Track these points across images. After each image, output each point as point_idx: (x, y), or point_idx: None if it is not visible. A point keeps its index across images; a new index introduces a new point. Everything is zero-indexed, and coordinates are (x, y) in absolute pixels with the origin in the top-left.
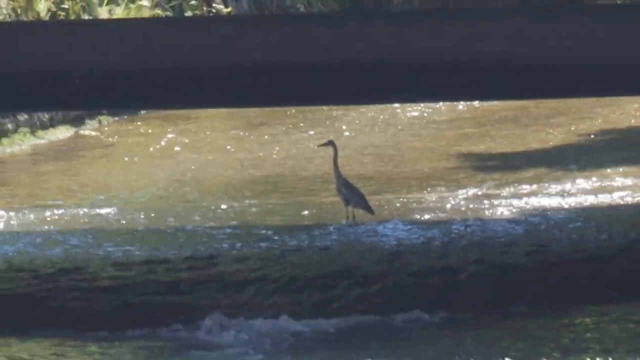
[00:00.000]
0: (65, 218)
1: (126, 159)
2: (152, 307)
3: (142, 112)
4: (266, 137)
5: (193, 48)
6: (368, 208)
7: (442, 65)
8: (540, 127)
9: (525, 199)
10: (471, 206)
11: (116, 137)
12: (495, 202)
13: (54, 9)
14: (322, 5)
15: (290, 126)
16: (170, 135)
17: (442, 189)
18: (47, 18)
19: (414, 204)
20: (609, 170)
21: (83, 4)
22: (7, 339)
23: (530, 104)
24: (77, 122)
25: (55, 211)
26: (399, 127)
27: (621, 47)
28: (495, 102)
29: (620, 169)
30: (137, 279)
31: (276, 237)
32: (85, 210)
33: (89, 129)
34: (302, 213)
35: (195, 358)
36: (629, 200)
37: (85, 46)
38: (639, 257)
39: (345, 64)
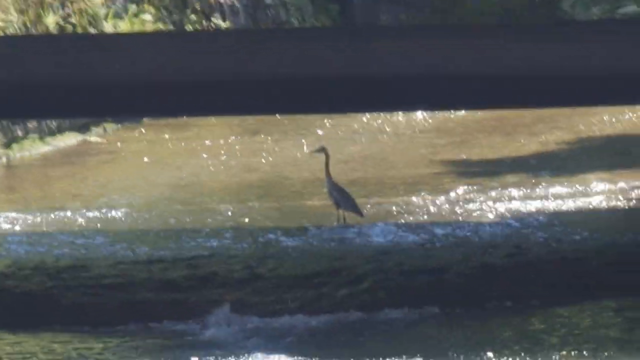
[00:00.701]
0: (72, 220)
1: (129, 164)
2: (154, 305)
3: (145, 119)
4: (262, 143)
5: (193, 60)
6: (358, 211)
7: (429, 77)
8: (521, 135)
9: (506, 203)
10: (455, 209)
11: (120, 143)
12: (478, 206)
13: (62, 22)
14: (315, 20)
15: (285, 133)
16: (171, 142)
17: (428, 193)
18: (55, 31)
19: (402, 207)
20: (585, 176)
21: (90, 18)
22: (17, 333)
23: (511, 113)
24: (83, 129)
25: (63, 213)
26: (388, 135)
27: (597, 60)
28: (478, 112)
29: (596, 175)
30: (141, 278)
31: (270, 238)
32: (91, 212)
33: (94, 136)
34: (295, 215)
35: (195, 353)
36: (604, 204)
37: (91, 58)
38: (611, 259)
39: (335, 75)
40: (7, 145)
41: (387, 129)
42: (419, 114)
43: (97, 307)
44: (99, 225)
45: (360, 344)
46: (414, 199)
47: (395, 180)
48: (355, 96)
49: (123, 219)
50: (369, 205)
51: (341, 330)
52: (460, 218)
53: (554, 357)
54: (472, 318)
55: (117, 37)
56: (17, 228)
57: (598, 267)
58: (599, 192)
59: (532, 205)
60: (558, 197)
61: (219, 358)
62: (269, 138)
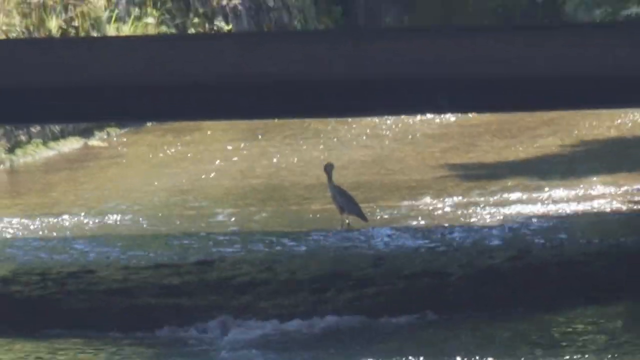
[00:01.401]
0: (75, 224)
1: (132, 168)
2: (157, 309)
3: (148, 124)
4: (265, 147)
5: (196, 63)
6: (361, 215)
7: (433, 79)
8: (524, 138)
9: (509, 207)
10: (458, 213)
11: (123, 147)
12: (481, 209)
13: (64, 26)
14: (318, 22)
15: (288, 137)
16: (174, 146)
17: (431, 197)
18: (58, 35)
19: (405, 211)
20: (587, 179)
21: (92, 21)
22: (19, 339)
23: (513, 116)
24: (86, 133)
25: (66, 218)
26: (391, 139)
27: (600, 62)
28: (482, 115)
29: (599, 178)
30: (143, 282)
31: (274, 243)
32: (94, 217)
33: (97, 140)
34: (299, 220)
35: (197, 358)
36: (607, 208)
37: (94, 62)
38: (615, 262)
39: (339, 79)
40: (11, 150)
41: (391, 133)
42: (422, 117)
43: (100, 312)
44: (101, 230)
45: (363, 348)
46: (417, 203)
47: (399, 184)
48: (358, 100)
49: (126, 224)
50: (373, 209)
51: (344, 335)
52: (463, 222)
53: None
54: (475, 322)
55: (120, 40)
56: (20, 233)
57: (601, 271)
58: (602, 196)
59: (535, 209)
60: (560, 200)
61: None
62: (272, 142)
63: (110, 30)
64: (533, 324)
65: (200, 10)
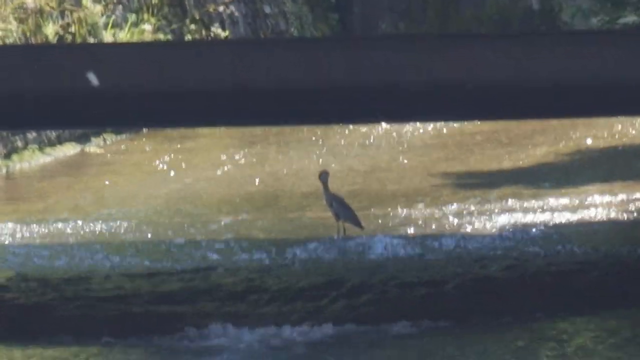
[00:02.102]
0: (71, 231)
1: (129, 175)
2: (152, 316)
3: (145, 130)
4: (261, 154)
5: (192, 70)
6: (357, 222)
7: (427, 87)
8: (520, 147)
9: (504, 215)
10: (453, 221)
11: (119, 154)
12: (476, 218)
13: (61, 32)
14: (314, 29)
15: (284, 144)
16: (170, 153)
17: (427, 205)
18: (55, 41)
19: (400, 219)
20: (583, 188)
21: (89, 28)
22: (14, 345)
23: (509, 124)
24: (83, 139)
25: (62, 224)
26: (388, 146)
27: (596, 70)
28: (478, 123)
29: (594, 187)
30: (139, 289)
31: (270, 250)
32: (90, 223)
33: (94, 146)
34: (295, 227)
35: None
36: (603, 216)
37: (91, 68)
38: (610, 271)
39: (335, 86)
40: (7, 156)
41: (386, 141)
42: (419, 125)
43: (95, 318)
44: (97, 236)
45: (358, 357)
46: (413, 210)
47: (395, 192)
48: (354, 107)
49: (122, 230)
50: (368, 217)
51: (339, 343)
52: (458, 230)
53: None
54: (470, 331)
55: (116, 46)
56: (16, 239)
57: (596, 280)
58: (598, 204)
59: (530, 218)
60: (557, 209)
61: None
62: (268, 149)
63: (107, 37)
64: (528, 333)
65: (197, 17)
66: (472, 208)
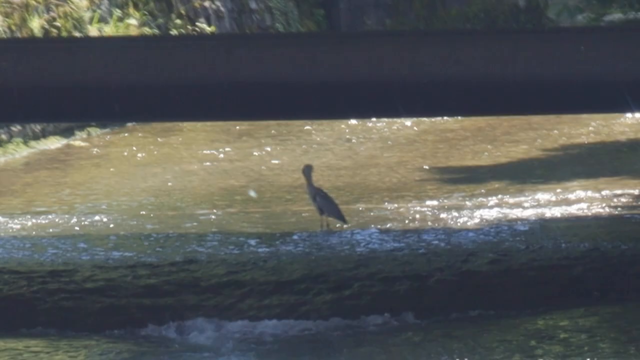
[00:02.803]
0: (56, 224)
1: (113, 168)
2: (136, 309)
3: (130, 124)
4: (247, 149)
5: (177, 64)
6: (341, 217)
7: (414, 83)
8: (504, 142)
9: (489, 210)
10: (438, 216)
11: (104, 148)
12: (461, 212)
13: (47, 26)
14: (300, 25)
15: (270, 139)
16: (155, 147)
17: (411, 200)
18: (40, 35)
19: (385, 214)
20: (568, 184)
21: (74, 22)
22: None
23: (495, 120)
24: (68, 133)
25: (46, 217)
26: (372, 141)
27: (582, 67)
28: (463, 119)
29: (579, 183)
30: (123, 282)
31: (253, 244)
32: (74, 216)
33: (78, 140)
34: (279, 221)
35: (176, 358)
36: (586, 212)
37: (76, 62)
38: (593, 266)
39: (321, 81)
40: None
41: (372, 135)
42: (404, 121)
43: (79, 311)
44: (82, 229)
45: (341, 351)
46: (397, 205)
47: (379, 187)
48: (340, 102)
49: (106, 223)
50: (352, 212)
51: (321, 337)
52: (442, 225)
53: None
54: (454, 326)
55: (102, 40)
56: (0, 232)
57: (581, 274)
58: (583, 200)
59: (514, 213)
60: (541, 204)
61: None
62: (253, 143)
63: (93, 31)
64: (512, 328)
65: (183, 12)
66: (457, 203)
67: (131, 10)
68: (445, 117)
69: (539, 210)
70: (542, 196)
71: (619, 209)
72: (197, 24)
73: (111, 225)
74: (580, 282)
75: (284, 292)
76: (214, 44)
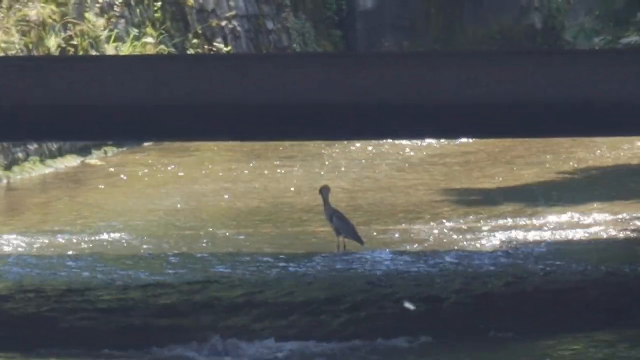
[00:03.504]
0: (72, 242)
1: (129, 188)
2: (152, 329)
3: (146, 144)
4: (262, 169)
5: (194, 84)
6: (358, 238)
7: (431, 105)
8: (520, 164)
9: (505, 233)
10: (454, 238)
11: (120, 167)
12: (477, 234)
13: (63, 45)
14: (317, 45)
15: (284, 159)
16: (171, 166)
17: (428, 221)
18: (57, 53)
19: (401, 235)
20: (583, 206)
21: (91, 40)
22: (14, 357)
23: (511, 142)
24: (84, 152)
25: (62, 236)
26: (389, 162)
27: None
28: (478, 141)
29: (594, 205)
30: (139, 302)
31: (269, 265)
32: (90, 235)
33: (94, 159)
34: (295, 242)
35: None
36: (602, 234)
37: (93, 81)
38: (608, 289)
39: (337, 102)
40: (8, 167)
41: (388, 157)
42: (420, 142)
43: (95, 331)
44: (98, 248)
45: None
46: (413, 227)
47: (395, 209)
48: (357, 123)
49: (122, 242)
50: (369, 233)
51: (338, 358)
52: (458, 247)
53: None
54: (469, 348)
55: (118, 59)
56: (17, 251)
57: (597, 298)
58: (598, 223)
59: (530, 235)
60: (557, 227)
61: None
62: (270, 163)
63: (109, 50)
64: (527, 350)
65: (199, 31)
66: (472, 225)
67: (148, 29)
68: (460, 140)
69: (555, 233)
70: (558, 219)
71: (635, 232)
72: (214, 43)
73: (126, 244)
74: (595, 305)
75: (301, 313)
76: (230, 64)
